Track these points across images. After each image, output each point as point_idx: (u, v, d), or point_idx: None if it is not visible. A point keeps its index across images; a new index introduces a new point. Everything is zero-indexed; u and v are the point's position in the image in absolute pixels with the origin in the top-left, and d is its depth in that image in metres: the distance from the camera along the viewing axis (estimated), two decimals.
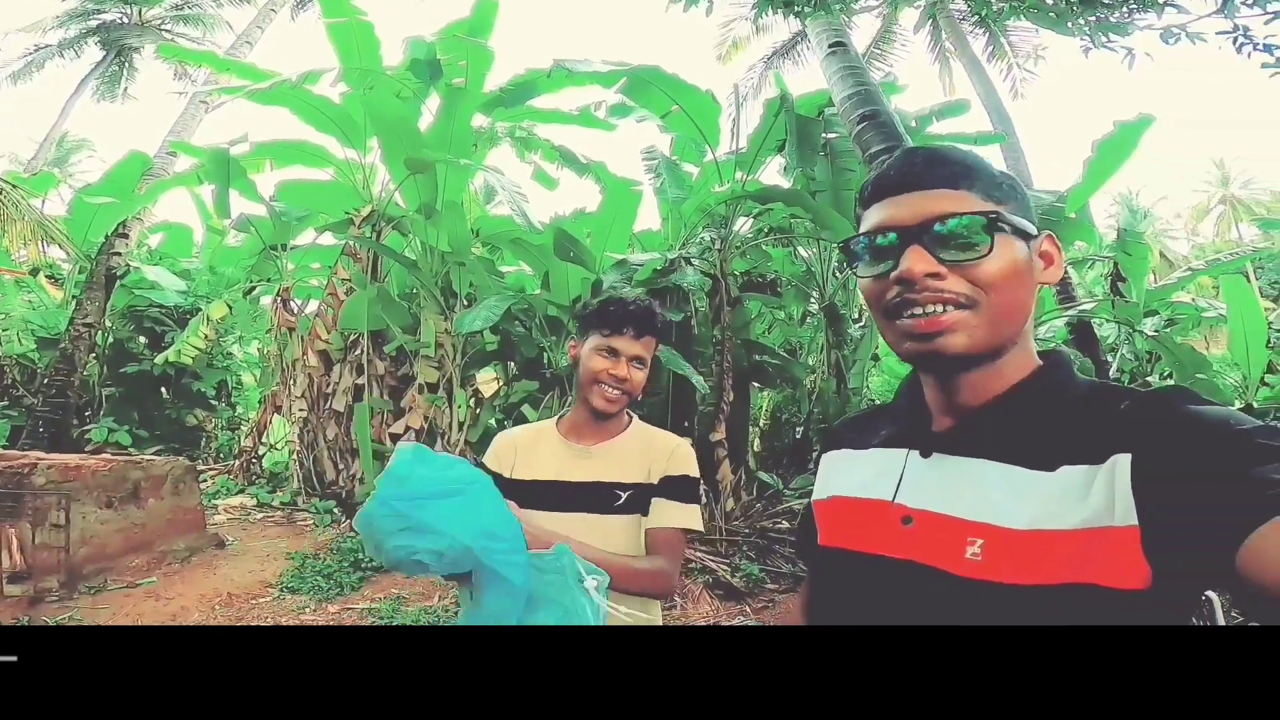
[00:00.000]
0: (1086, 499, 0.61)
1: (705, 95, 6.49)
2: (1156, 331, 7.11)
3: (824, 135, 6.92)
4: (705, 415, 6.55)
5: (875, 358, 9.38)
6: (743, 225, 7.21)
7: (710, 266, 6.85)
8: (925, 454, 0.74)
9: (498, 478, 1.50)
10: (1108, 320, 7.79)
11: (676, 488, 1.47)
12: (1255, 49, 4.22)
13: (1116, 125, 7.07)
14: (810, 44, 7.31)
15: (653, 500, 1.46)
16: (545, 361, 6.83)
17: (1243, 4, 4.28)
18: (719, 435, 6.31)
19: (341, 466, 7.30)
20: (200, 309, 8.54)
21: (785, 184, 7.45)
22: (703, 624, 4.11)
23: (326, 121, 6.81)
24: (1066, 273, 8.75)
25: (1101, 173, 7.24)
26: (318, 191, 7.38)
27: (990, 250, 0.68)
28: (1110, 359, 7.61)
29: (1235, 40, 4.30)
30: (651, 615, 1.46)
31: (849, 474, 0.83)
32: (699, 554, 5.11)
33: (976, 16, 10.40)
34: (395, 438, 6.57)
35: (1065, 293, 8.70)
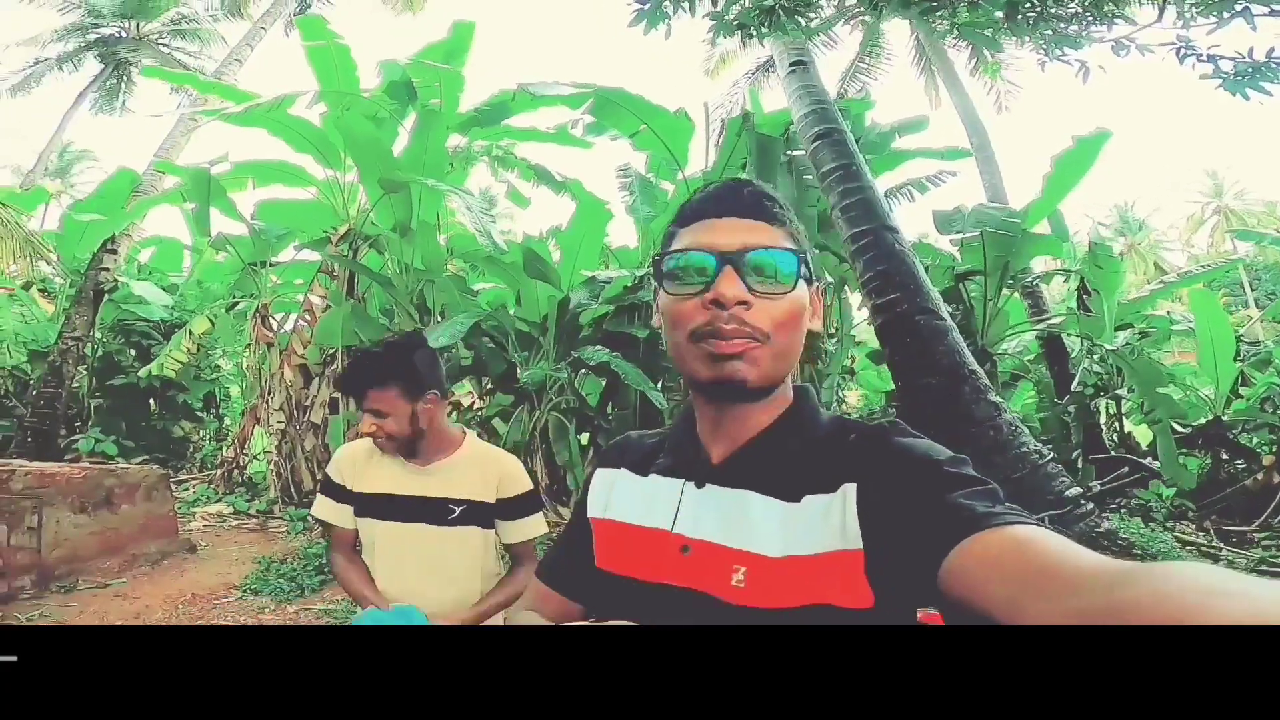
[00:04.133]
0: (825, 526, 0.66)
1: (674, 115, 6.65)
2: (1117, 346, 7.20)
3: (787, 153, 7.05)
4: None
5: (851, 372, 9.50)
6: None
7: None
8: (699, 485, 0.76)
9: (341, 488, 1.69)
10: (1073, 333, 7.89)
11: (516, 506, 1.66)
12: (1199, 60, 4.31)
13: (1075, 140, 7.19)
14: (775, 62, 7.46)
15: (499, 523, 1.66)
16: (517, 377, 6.97)
17: (1194, 9, 4.38)
18: None
19: (319, 476, 7.43)
20: (185, 323, 8.71)
21: None
22: None
23: (304, 142, 6.98)
24: (1036, 286, 8.86)
25: (1060, 187, 7.35)
26: (297, 210, 7.55)
27: (794, 287, 0.72)
28: (1076, 372, 7.70)
29: (1178, 51, 4.39)
30: None
31: (629, 498, 0.83)
32: None
33: (953, 29, 10.55)
34: None
35: (1036, 306, 8.82)
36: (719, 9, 4.16)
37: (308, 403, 7.49)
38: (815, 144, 5.36)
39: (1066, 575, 0.47)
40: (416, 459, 1.67)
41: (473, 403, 7.54)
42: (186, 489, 8.56)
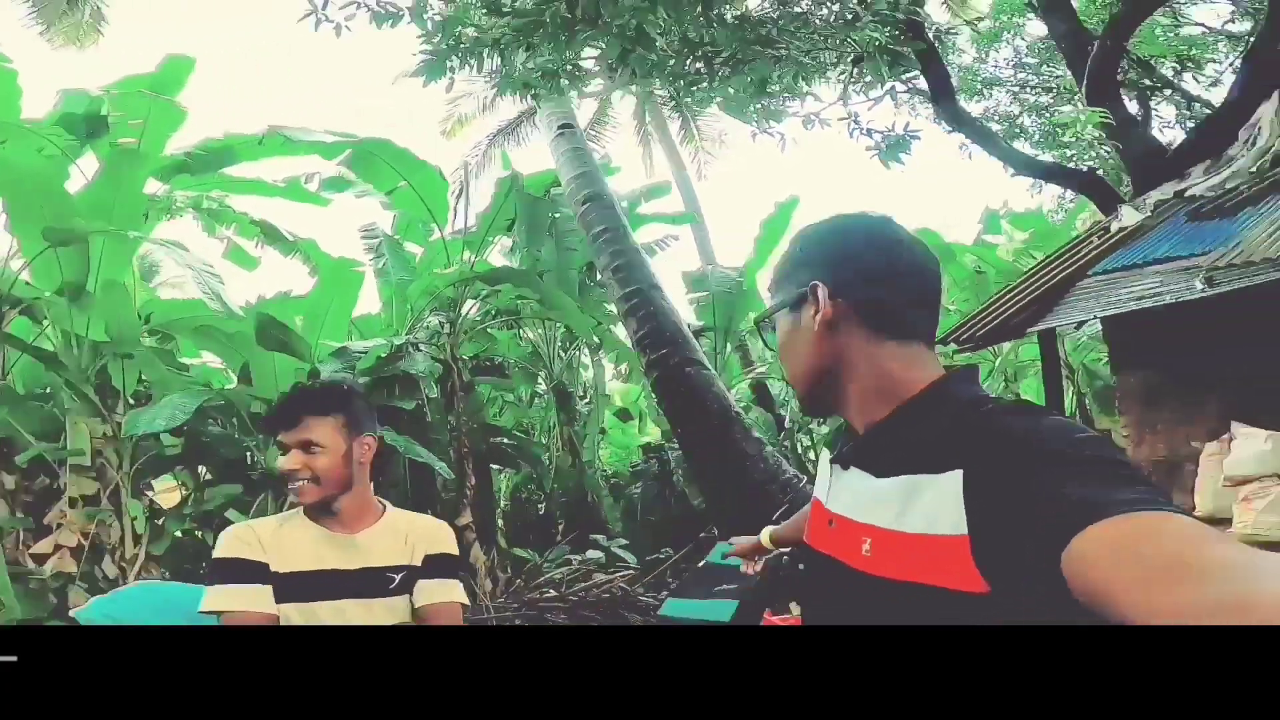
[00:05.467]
0: (919, 507, 0.69)
1: (435, 172, 6.47)
2: None
3: (551, 214, 7.34)
4: (449, 501, 6.30)
5: (603, 431, 9.97)
6: (471, 308, 7.21)
7: (440, 351, 6.70)
8: (844, 467, 0.86)
9: (261, 568, 1.45)
10: (777, 380, 9.46)
11: (440, 565, 1.56)
12: (862, 133, 5.28)
13: (776, 206, 8.85)
14: (539, 124, 7.82)
15: (419, 582, 1.53)
16: (250, 462, 5.89)
17: (855, 92, 5.53)
18: (465, 519, 6.12)
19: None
20: None
21: (510, 264, 7.69)
22: None
23: None
24: (744, 340, 10.47)
25: (768, 247, 8.89)
26: None
27: (773, 331, 0.91)
28: (784, 413, 9.19)
29: (849, 125, 5.54)
30: None
31: (821, 479, 0.96)
32: None
33: (674, 101, 11.99)
34: (40, 558, 5.05)
35: (745, 358, 10.39)
36: (503, 67, 4.30)
37: None
38: (585, 206, 5.75)
39: (1198, 564, 0.46)
40: (341, 527, 1.51)
41: (185, 497, 6.08)
42: None
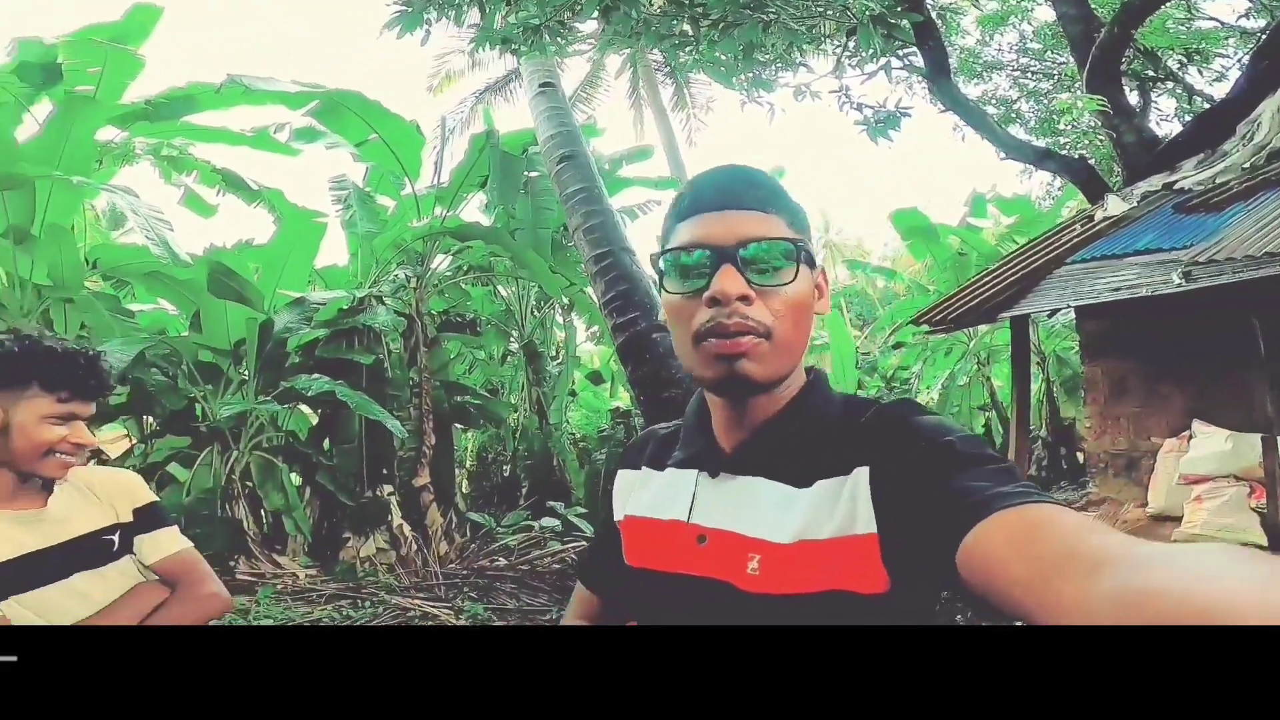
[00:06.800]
0: (837, 510, 0.66)
1: (408, 125, 6.23)
2: None
3: (526, 173, 7.10)
4: (406, 460, 6.21)
5: (573, 393, 9.89)
6: (441, 263, 7.02)
7: (405, 306, 6.54)
8: (713, 475, 0.76)
9: None
10: None
11: (153, 516, 1.43)
12: (853, 108, 5.24)
13: None
14: (522, 82, 7.54)
15: (139, 539, 1.39)
16: (199, 414, 5.76)
17: (849, 65, 5.38)
18: (423, 480, 6.05)
19: None
20: None
21: (486, 221, 7.49)
22: None
23: None
24: None
25: None
26: None
27: (794, 278, 0.69)
28: None
29: (840, 99, 5.42)
30: None
31: (649, 494, 0.83)
32: (417, 601, 4.79)
33: (669, 66, 11.81)
34: None
35: None
36: (484, 20, 4.05)
37: None
38: (560, 165, 5.52)
39: (1091, 555, 0.45)
40: (22, 501, 1.29)
41: (130, 448, 5.96)
42: None
